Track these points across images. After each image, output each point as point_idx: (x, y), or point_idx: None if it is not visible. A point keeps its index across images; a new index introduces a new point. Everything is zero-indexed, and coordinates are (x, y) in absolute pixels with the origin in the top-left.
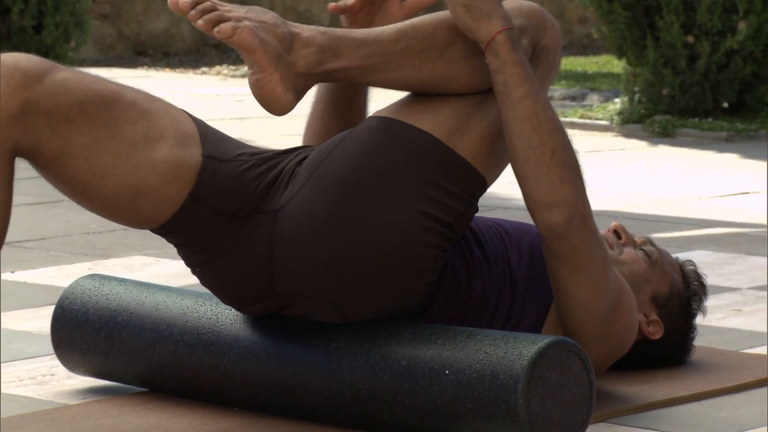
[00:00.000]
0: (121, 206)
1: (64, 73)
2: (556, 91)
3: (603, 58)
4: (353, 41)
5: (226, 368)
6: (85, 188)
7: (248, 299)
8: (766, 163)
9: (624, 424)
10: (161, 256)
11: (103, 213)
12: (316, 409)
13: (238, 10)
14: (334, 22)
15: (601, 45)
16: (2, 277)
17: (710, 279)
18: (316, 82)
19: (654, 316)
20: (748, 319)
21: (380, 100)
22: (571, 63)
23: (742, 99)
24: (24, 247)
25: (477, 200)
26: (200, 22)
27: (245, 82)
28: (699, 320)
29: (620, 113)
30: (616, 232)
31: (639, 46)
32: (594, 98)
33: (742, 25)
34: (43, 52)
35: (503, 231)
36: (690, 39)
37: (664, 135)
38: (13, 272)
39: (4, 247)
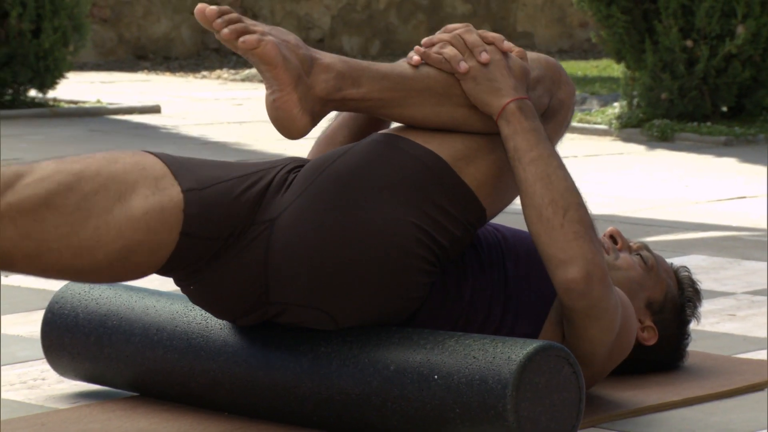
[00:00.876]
0: (117, 270)
1: (24, 180)
2: None
3: (604, 62)
4: (375, 73)
5: (216, 373)
6: (77, 270)
7: (242, 310)
8: (765, 168)
9: (615, 429)
10: None
11: (103, 281)
12: (306, 414)
13: (262, 26)
14: (335, 28)
15: (602, 49)
16: None
17: (705, 283)
18: (332, 109)
19: (648, 322)
20: (742, 324)
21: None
22: (571, 67)
23: (741, 103)
24: None
25: (475, 229)
26: (225, 31)
27: (245, 86)
28: (693, 325)
29: (619, 117)
30: (612, 237)
31: (637, 50)
32: (593, 102)
33: (740, 29)
34: (42, 56)
35: (501, 237)
36: (689, 43)
37: (662, 139)
38: (6, 276)
39: None
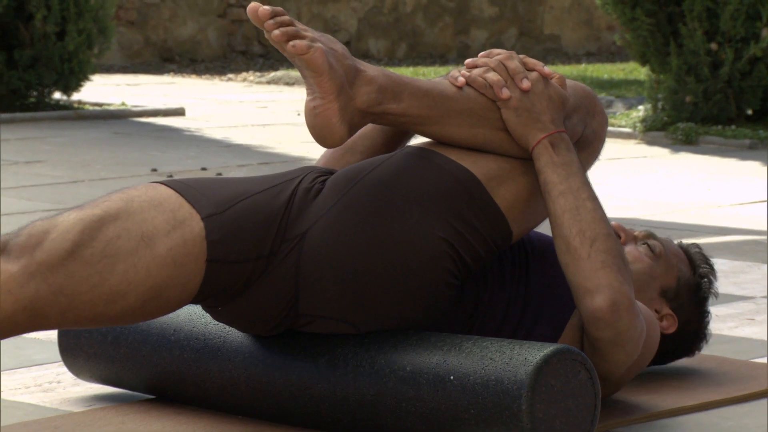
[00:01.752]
0: (150, 309)
1: (50, 235)
2: None
3: (630, 65)
4: (417, 89)
5: (232, 374)
6: (112, 317)
7: (270, 325)
8: None
9: None
10: None
11: (138, 321)
12: (321, 415)
13: (312, 32)
14: (361, 31)
15: (628, 52)
16: None
17: (725, 287)
18: (370, 122)
19: (666, 310)
20: (762, 328)
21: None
22: (597, 70)
23: (766, 106)
24: None
25: (499, 250)
26: (276, 32)
27: (270, 88)
28: (711, 328)
29: (643, 120)
30: (615, 233)
31: (662, 53)
32: (619, 105)
33: (765, 32)
34: (66, 58)
35: (527, 239)
36: (713, 46)
37: (686, 142)
38: None
39: None
